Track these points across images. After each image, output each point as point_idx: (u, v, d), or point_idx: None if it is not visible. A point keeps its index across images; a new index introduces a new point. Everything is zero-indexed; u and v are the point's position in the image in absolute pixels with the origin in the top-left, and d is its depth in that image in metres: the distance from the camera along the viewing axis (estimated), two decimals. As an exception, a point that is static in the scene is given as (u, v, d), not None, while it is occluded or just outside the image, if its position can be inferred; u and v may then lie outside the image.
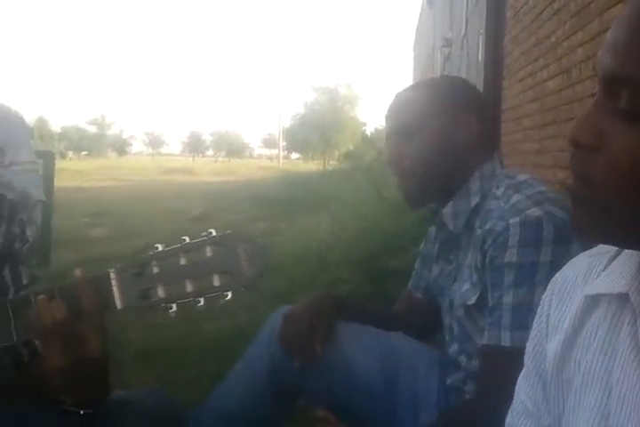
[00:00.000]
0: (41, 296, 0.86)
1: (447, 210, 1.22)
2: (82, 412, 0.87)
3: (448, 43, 9.78)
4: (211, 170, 29.90)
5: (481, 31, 5.99)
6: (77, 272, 0.88)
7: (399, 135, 1.28)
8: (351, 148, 33.09)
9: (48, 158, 2.59)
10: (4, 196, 1.12)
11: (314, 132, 35.60)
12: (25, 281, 1.14)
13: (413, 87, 1.35)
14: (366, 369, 1.27)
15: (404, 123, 1.26)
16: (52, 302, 0.85)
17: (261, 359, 1.32)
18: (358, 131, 35.00)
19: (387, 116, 1.34)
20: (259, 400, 1.32)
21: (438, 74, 9.84)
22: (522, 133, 4.41)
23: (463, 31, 7.96)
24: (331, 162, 30.77)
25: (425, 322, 1.42)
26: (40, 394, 0.96)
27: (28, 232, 1.15)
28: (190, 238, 0.86)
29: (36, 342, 0.89)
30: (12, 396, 1.04)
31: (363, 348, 1.29)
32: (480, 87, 4.42)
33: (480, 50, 6.08)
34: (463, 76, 5.64)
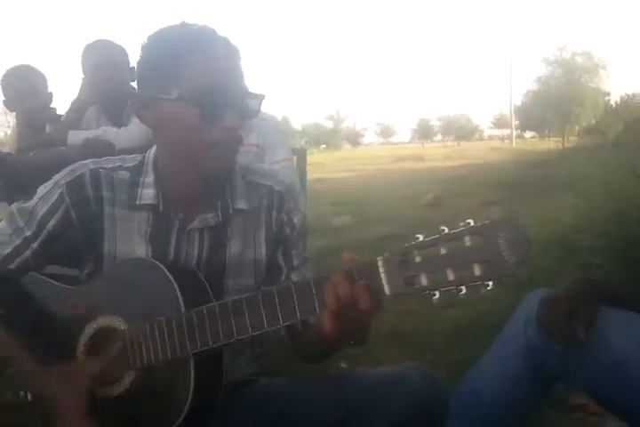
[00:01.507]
0: (325, 279, 0.96)
1: None
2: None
3: None
4: (440, 155, 29.67)
5: None
6: (346, 257, 0.97)
7: None
8: (593, 121, 30.24)
9: (301, 154, 2.85)
10: (273, 187, 1.28)
11: (549, 107, 33.21)
12: (295, 263, 1.28)
13: None
14: (633, 357, 1.20)
15: None
16: (335, 284, 0.95)
17: (517, 342, 1.32)
18: (600, 102, 31.77)
19: None
20: (514, 383, 1.32)
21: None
22: None
23: None
24: (570, 138, 28.52)
25: None
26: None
27: (295, 219, 1.29)
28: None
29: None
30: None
31: (628, 334, 1.22)
32: None
33: None
34: None
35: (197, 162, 1.14)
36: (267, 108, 2.57)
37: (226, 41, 1.14)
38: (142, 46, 1.15)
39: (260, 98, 1.18)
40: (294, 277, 1.26)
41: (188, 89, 1.09)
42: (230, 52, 1.14)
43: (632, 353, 1.20)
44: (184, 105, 1.10)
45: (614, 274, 2.96)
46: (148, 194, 1.20)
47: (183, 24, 1.15)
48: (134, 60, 1.19)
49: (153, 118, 1.16)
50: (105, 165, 1.23)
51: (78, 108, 2.53)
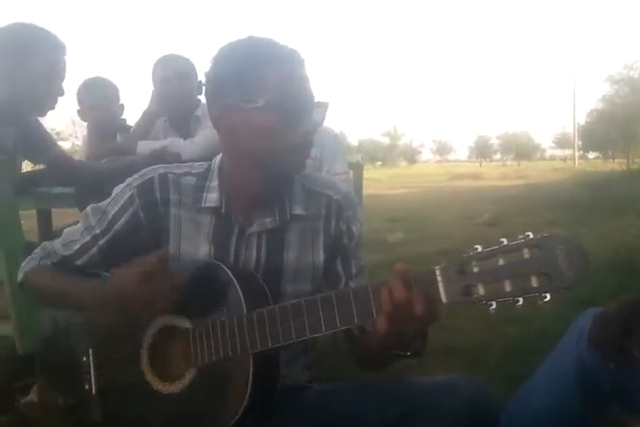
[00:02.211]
0: (380, 286, 0.99)
1: None
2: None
3: None
4: (499, 174, 29.21)
5: None
6: (400, 266, 0.99)
7: None
8: (666, 143, 29.08)
9: (357, 169, 2.88)
10: (331, 196, 1.32)
11: (614, 127, 32.19)
12: (354, 271, 1.31)
13: None
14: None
15: None
16: (392, 289, 0.97)
17: (569, 360, 1.30)
18: (668, 122, 30.55)
19: None
20: (566, 400, 1.30)
21: None
22: None
23: None
24: (635, 160, 27.53)
25: None
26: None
27: (354, 228, 1.32)
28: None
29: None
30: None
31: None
32: None
33: None
34: None
35: (276, 165, 1.21)
36: (325, 121, 2.63)
37: (295, 51, 1.21)
38: (214, 58, 1.22)
39: (325, 106, 1.25)
40: (352, 285, 1.28)
41: (271, 96, 1.16)
42: (300, 63, 1.21)
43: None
44: (267, 111, 1.17)
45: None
46: (212, 197, 1.26)
47: (252, 37, 1.22)
48: (202, 74, 1.26)
49: (232, 125, 1.22)
50: (174, 171, 1.30)
51: (148, 119, 2.65)
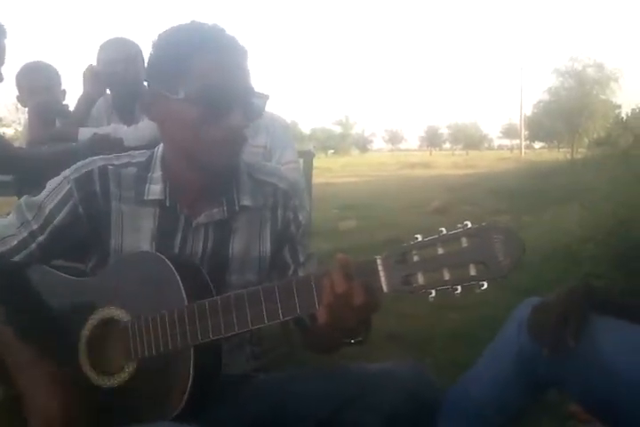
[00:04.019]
0: (321, 276, 0.98)
1: None
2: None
3: None
4: (448, 163, 29.71)
5: None
6: (340, 256, 0.98)
7: None
8: (603, 133, 30.13)
9: (307, 157, 2.86)
10: (277, 185, 1.30)
11: (559, 118, 33.13)
12: (302, 259, 1.30)
13: None
14: (626, 365, 1.21)
15: None
16: (333, 280, 0.97)
17: (510, 348, 1.33)
18: (610, 114, 31.62)
19: None
20: (503, 386, 1.33)
21: None
22: None
23: None
24: (579, 150, 28.42)
25: None
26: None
27: (301, 217, 1.31)
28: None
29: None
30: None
31: (620, 342, 1.23)
32: None
33: None
34: None
35: (200, 159, 1.17)
36: (276, 110, 2.60)
37: (233, 40, 1.16)
38: (153, 44, 1.18)
39: (265, 98, 1.19)
40: (301, 273, 1.28)
41: (193, 88, 1.11)
42: (237, 52, 1.16)
43: (623, 362, 1.21)
44: (189, 103, 1.12)
45: (616, 284, 2.97)
46: (155, 189, 1.22)
47: (193, 23, 1.17)
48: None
49: (159, 115, 1.18)
50: (113, 162, 1.25)
51: (84, 104, 2.56)
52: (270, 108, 1.23)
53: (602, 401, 1.25)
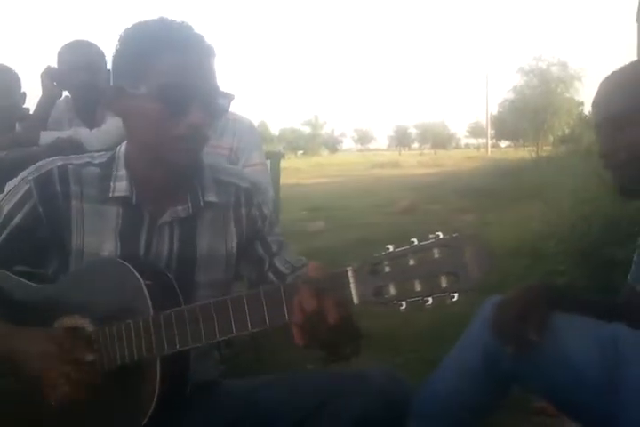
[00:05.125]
0: (292, 286, 0.96)
1: None
2: (310, 366, 1.04)
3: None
4: (417, 162, 29.97)
5: None
6: (314, 267, 0.96)
7: (612, 124, 1.20)
8: (567, 131, 30.70)
9: (275, 158, 2.86)
10: (239, 185, 1.31)
11: (525, 117, 33.65)
12: (275, 249, 1.31)
13: (629, 68, 1.25)
14: (586, 360, 1.24)
15: (619, 109, 1.19)
16: (302, 290, 0.94)
17: (475, 346, 1.35)
18: (574, 112, 32.25)
19: (596, 102, 1.26)
20: (473, 385, 1.35)
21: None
22: None
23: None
24: (544, 148, 28.91)
25: None
26: None
27: (266, 210, 1.32)
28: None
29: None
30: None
31: (581, 337, 1.26)
32: None
33: None
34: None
35: (161, 155, 1.16)
36: (244, 111, 2.57)
37: (199, 39, 1.15)
38: (118, 39, 1.16)
39: (230, 97, 1.18)
40: (277, 262, 1.29)
41: (154, 84, 1.10)
42: (202, 50, 1.15)
43: (584, 357, 1.24)
44: (149, 100, 1.11)
45: (578, 280, 3.03)
46: (120, 187, 1.20)
47: (159, 19, 1.16)
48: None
49: (122, 110, 1.17)
50: (74, 162, 1.23)
51: (43, 107, 2.50)
52: (238, 108, 1.23)
53: (565, 396, 1.28)
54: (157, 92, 1.10)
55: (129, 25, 1.17)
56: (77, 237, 1.21)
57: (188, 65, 1.12)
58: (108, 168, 1.23)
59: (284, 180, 3.02)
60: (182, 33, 1.13)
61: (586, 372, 1.24)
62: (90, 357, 1.08)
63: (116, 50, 1.16)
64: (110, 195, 1.20)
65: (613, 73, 1.25)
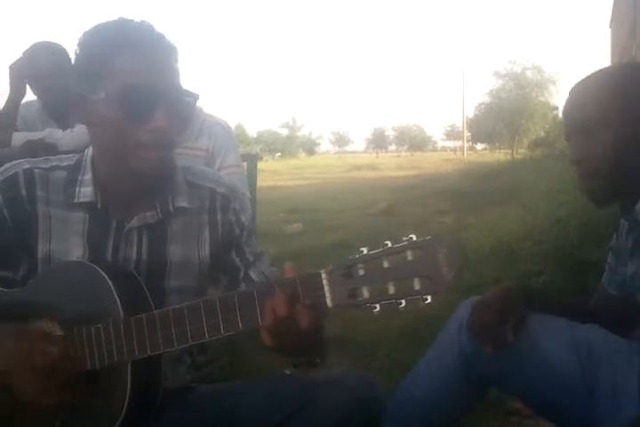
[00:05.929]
0: (265, 290, 0.96)
1: None
2: (288, 372, 1.09)
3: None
4: (394, 165, 30.10)
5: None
6: (289, 268, 0.96)
7: (582, 132, 1.20)
8: (542, 134, 31.15)
9: (251, 160, 2.84)
10: (215, 189, 1.27)
11: (500, 120, 34.10)
12: (251, 259, 1.28)
13: (598, 75, 1.25)
14: (561, 361, 1.24)
15: (589, 118, 1.19)
16: (275, 295, 0.94)
17: (451, 348, 1.35)
18: (549, 115, 32.74)
19: (566, 111, 1.26)
20: (449, 388, 1.35)
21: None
22: None
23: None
24: (520, 151, 29.30)
25: (619, 319, 1.35)
26: None
27: (243, 218, 1.28)
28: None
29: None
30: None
31: (556, 339, 1.26)
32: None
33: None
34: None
35: (127, 162, 1.12)
36: (221, 113, 2.55)
37: (160, 38, 1.11)
38: (78, 42, 1.12)
39: (195, 97, 1.15)
40: (252, 273, 1.26)
41: (113, 88, 1.06)
42: (163, 50, 1.11)
43: (560, 358, 1.24)
44: (109, 104, 1.07)
45: (555, 281, 3.06)
46: (85, 192, 1.17)
47: (118, 20, 1.11)
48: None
49: (84, 117, 1.14)
50: (41, 165, 1.20)
51: (10, 107, 2.44)
52: (214, 110, 1.20)
53: (541, 396, 1.28)
54: (117, 96, 1.06)
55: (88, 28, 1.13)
56: (44, 243, 1.18)
57: (147, 66, 1.07)
58: (75, 172, 1.20)
59: (262, 182, 3.01)
60: (140, 32, 1.09)
61: (560, 372, 1.24)
62: (58, 361, 1.05)
63: (76, 54, 1.13)
64: (75, 200, 1.17)
65: (582, 81, 1.25)
